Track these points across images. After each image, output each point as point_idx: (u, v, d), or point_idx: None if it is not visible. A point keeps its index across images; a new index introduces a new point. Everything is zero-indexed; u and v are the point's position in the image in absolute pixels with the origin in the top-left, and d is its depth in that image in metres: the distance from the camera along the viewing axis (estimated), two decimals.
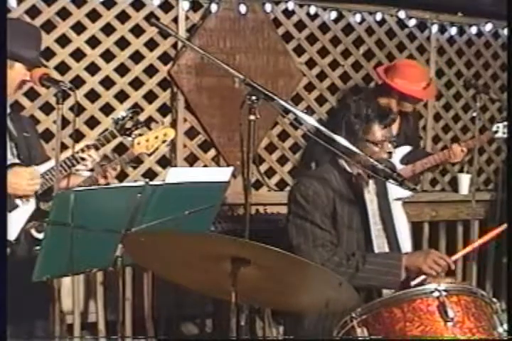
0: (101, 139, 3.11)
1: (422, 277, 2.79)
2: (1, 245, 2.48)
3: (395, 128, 4.28)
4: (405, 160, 4.24)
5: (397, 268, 2.79)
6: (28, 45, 2.92)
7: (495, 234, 2.95)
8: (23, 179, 2.86)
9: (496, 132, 4.22)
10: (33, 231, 2.87)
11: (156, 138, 3.26)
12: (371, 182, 2.99)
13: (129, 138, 3.20)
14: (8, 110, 3.02)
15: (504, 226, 2.96)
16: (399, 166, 4.05)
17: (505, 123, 4.16)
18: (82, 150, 3.02)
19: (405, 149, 4.25)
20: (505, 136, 4.18)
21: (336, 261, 2.81)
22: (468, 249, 2.97)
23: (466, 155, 4.32)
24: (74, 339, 4.00)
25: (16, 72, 2.90)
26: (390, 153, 2.90)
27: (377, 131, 2.88)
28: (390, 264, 2.80)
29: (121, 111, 3.45)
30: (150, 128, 3.38)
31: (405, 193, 3.04)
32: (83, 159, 3.02)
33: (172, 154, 4.32)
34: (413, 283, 2.77)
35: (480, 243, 2.97)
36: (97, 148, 3.08)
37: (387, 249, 2.97)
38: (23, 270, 2.42)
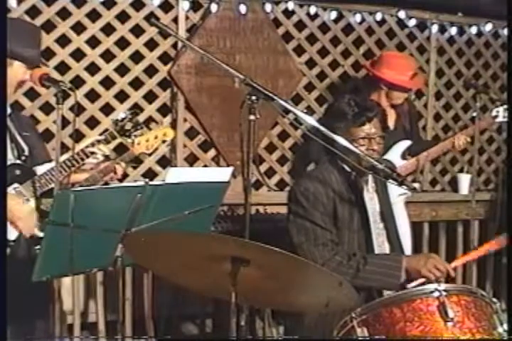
0: (102, 140, 3.11)
1: (420, 280, 2.78)
2: (1, 245, 2.48)
3: (391, 122, 4.32)
4: (406, 154, 4.24)
5: (397, 270, 2.79)
6: (28, 44, 2.91)
7: (497, 244, 2.96)
8: (16, 207, 2.85)
9: (496, 117, 4.20)
10: (36, 231, 2.87)
11: (156, 138, 3.27)
12: (370, 180, 2.99)
13: (129, 140, 3.20)
14: (9, 110, 3.02)
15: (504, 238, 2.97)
16: (400, 161, 4.04)
17: (505, 106, 4.12)
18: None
19: (405, 144, 4.23)
20: (505, 120, 4.14)
21: (338, 260, 2.82)
22: (469, 257, 2.98)
23: (468, 142, 4.30)
24: (74, 339, 4.00)
25: (15, 70, 2.88)
26: (373, 150, 2.86)
27: (355, 130, 2.87)
28: (390, 266, 2.80)
29: (120, 112, 3.45)
30: (150, 129, 3.40)
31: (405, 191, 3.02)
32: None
33: (172, 154, 4.32)
34: (409, 285, 2.77)
35: (482, 253, 2.99)
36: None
37: (387, 248, 2.97)
38: (23, 270, 2.42)
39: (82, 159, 3.01)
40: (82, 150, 3.00)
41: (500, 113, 4.17)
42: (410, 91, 4.47)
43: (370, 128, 2.88)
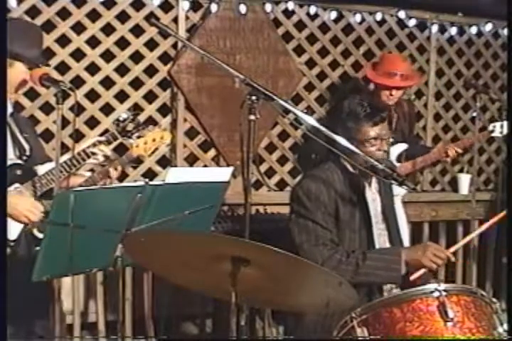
0: (104, 140, 3.11)
1: (422, 270, 2.78)
2: (1, 245, 2.48)
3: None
4: (401, 157, 4.25)
5: (396, 264, 2.79)
6: (29, 44, 2.91)
7: (491, 224, 2.97)
8: (24, 205, 2.83)
9: (492, 131, 4.25)
10: (35, 231, 2.87)
11: (154, 140, 3.27)
12: (374, 181, 2.99)
13: (130, 140, 3.20)
14: (12, 110, 3.02)
15: (499, 215, 2.97)
16: (395, 164, 4.06)
17: (503, 122, 4.18)
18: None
19: (401, 147, 4.25)
20: (501, 135, 4.21)
21: (337, 258, 2.81)
22: (465, 240, 2.98)
23: (460, 154, 4.34)
24: (74, 339, 4.00)
25: (16, 70, 2.89)
26: (384, 151, 2.87)
27: (368, 130, 2.86)
28: (389, 259, 2.80)
29: (122, 112, 3.45)
30: (149, 130, 3.40)
31: (401, 190, 3.03)
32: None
33: (172, 154, 4.32)
34: (412, 277, 2.77)
35: (477, 234, 3.02)
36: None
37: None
38: (23, 270, 2.42)
39: (84, 159, 3.01)
40: (83, 150, 3.00)
41: (497, 128, 4.24)
42: (400, 89, 4.35)
43: (381, 128, 2.88)
